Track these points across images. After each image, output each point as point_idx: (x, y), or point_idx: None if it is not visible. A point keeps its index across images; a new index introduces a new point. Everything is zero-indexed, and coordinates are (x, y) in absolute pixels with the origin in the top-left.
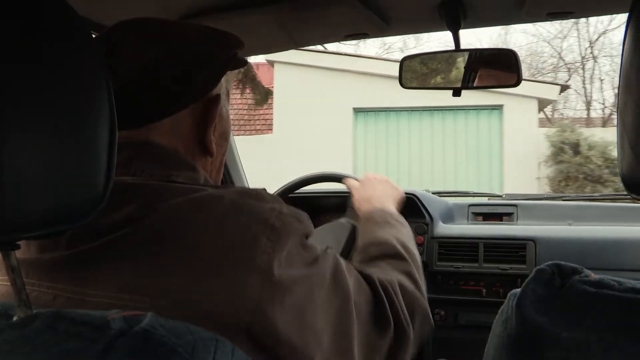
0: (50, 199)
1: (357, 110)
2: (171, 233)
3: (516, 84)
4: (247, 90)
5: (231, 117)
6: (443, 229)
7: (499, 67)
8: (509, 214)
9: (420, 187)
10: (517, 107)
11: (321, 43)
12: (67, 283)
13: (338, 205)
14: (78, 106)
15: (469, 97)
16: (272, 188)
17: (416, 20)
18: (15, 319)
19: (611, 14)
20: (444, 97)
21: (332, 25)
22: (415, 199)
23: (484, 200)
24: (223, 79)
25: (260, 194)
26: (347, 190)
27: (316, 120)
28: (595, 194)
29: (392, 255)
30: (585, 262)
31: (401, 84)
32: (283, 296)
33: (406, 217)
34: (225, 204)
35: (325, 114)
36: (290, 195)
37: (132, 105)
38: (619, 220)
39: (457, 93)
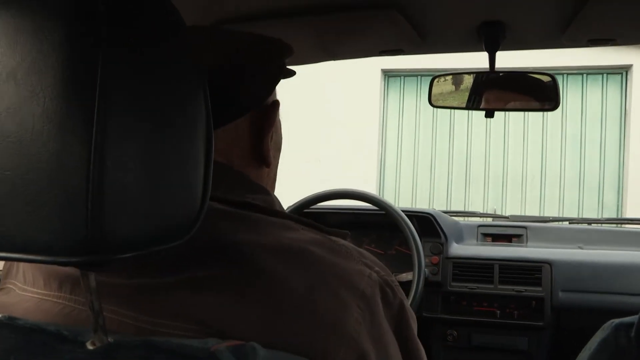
0: (148, 216)
1: (388, 74)
2: (259, 274)
3: (554, 107)
4: None
5: None
6: (457, 249)
7: (537, 90)
8: (519, 236)
9: (486, 194)
10: None
11: (355, 57)
12: (136, 311)
13: (349, 222)
14: (178, 114)
15: (569, 54)
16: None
17: (454, 39)
18: (89, 346)
19: None
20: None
21: (369, 40)
22: (432, 218)
23: (490, 221)
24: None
25: (349, 251)
26: (363, 207)
27: (332, 88)
28: (601, 218)
29: None
30: (601, 286)
31: (430, 103)
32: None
33: (422, 236)
34: (317, 261)
35: (346, 79)
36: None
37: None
38: (626, 245)
39: (490, 114)
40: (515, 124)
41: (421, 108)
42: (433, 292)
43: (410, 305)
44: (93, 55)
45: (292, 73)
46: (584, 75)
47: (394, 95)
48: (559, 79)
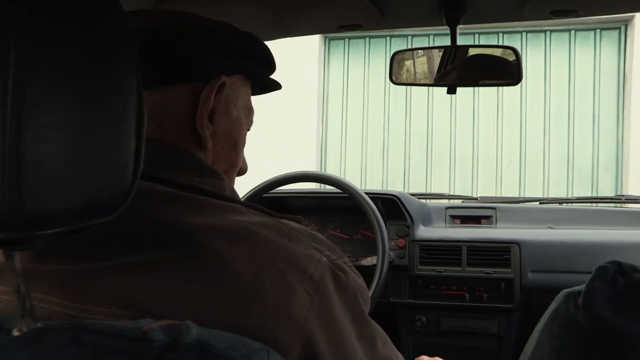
0: (75, 190)
1: (329, 37)
2: (204, 257)
3: (516, 82)
4: None
5: None
6: (424, 231)
7: (499, 64)
8: (487, 217)
9: (452, 179)
10: None
11: (313, 33)
12: (70, 298)
13: (313, 207)
14: (105, 86)
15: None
16: None
17: (414, 13)
18: (15, 332)
19: (615, 14)
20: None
21: (326, 15)
22: (397, 200)
23: (458, 202)
24: (244, 91)
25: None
26: (326, 190)
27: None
28: (572, 197)
29: None
30: (570, 265)
31: (391, 80)
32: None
33: (387, 219)
34: (264, 244)
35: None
36: (264, 195)
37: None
38: (597, 224)
39: (452, 90)
40: (487, 98)
41: (370, 78)
42: (400, 276)
43: (375, 290)
44: (6, 23)
45: (277, 86)
46: (572, 32)
47: (336, 62)
48: (541, 38)
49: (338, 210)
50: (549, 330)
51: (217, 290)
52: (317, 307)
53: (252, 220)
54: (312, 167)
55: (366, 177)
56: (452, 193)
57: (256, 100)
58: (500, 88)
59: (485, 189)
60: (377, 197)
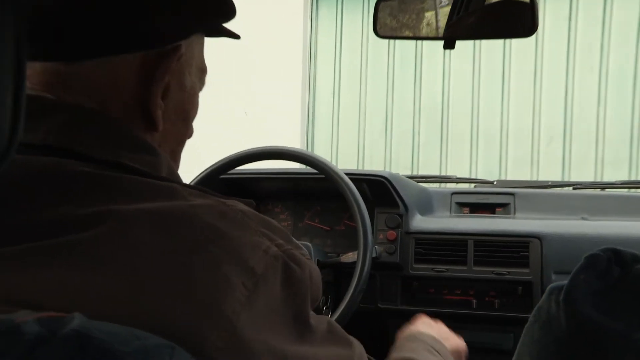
0: None
1: None
2: (122, 245)
3: (530, 32)
4: None
5: None
6: (421, 222)
7: (509, 11)
8: (504, 205)
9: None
10: None
11: None
12: None
13: (286, 191)
14: None
15: None
16: None
17: None
18: None
19: None
20: None
21: None
22: (387, 183)
23: (470, 187)
24: (198, 51)
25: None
26: (301, 171)
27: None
28: (615, 182)
29: None
30: None
31: (376, 33)
32: None
33: (376, 206)
34: (200, 229)
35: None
36: (222, 176)
37: (68, 29)
38: None
39: (449, 44)
40: (521, 57)
41: (370, 33)
42: (390, 276)
43: (354, 292)
44: None
45: (231, 34)
46: None
47: (327, 17)
48: None
49: (316, 196)
50: (530, 334)
51: (133, 284)
52: (256, 305)
53: (188, 203)
54: (295, 144)
55: (364, 158)
56: (473, 177)
57: (221, 61)
58: (539, 44)
59: (517, 172)
60: (362, 179)
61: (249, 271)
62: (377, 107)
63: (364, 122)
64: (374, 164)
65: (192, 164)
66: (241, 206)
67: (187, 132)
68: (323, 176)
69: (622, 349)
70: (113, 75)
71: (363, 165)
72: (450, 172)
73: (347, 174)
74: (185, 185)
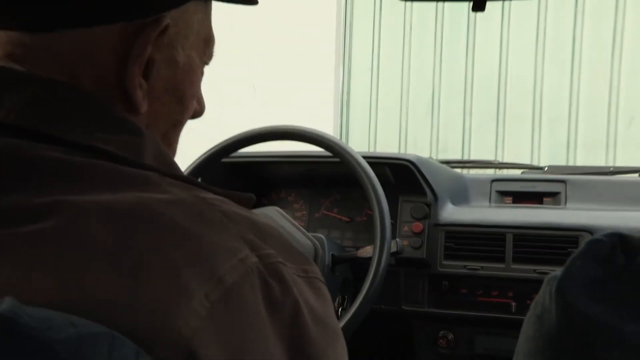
0: None
1: None
2: (70, 244)
3: None
4: None
5: None
6: (453, 212)
7: None
8: (554, 194)
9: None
10: None
11: None
12: None
13: (300, 177)
14: None
15: None
16: None
17: None
18: None
19: None
20: None
21: None
22: (413, 168)
23: (517, 173)
24: (199, 19)
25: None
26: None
27: None
28: None
29: None
30: None
31: None
32: None
33: (400, 194)
34: (166, 230)
35: None
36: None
37: None
38: None
39: (479, 6)
40: (594, 21)
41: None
42: (416, 274)
43: (368, 292)
44: None
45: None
46: None
47: None
48: None
49: (335, 183)
50: (525, 332)
51: (75, 285)
52: (219, 320)
53: (161, 197)
54: (327, 126)
55: (406, 143)
56: (535, 164)
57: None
58: (620, 3)
59: (589, 157)
60: (384, 163)
61: (215, 281)
62: (422, 84)
63: (407, 102)
64: (417, 149)
65: None
66: (225, 206)
67: (184, 113)
68: (336, 159)
69: (611, 343)
70: (88, 51)
71: (406, 151)
72: (507, 159)
73: (367, 157)
74: (172, 174)
